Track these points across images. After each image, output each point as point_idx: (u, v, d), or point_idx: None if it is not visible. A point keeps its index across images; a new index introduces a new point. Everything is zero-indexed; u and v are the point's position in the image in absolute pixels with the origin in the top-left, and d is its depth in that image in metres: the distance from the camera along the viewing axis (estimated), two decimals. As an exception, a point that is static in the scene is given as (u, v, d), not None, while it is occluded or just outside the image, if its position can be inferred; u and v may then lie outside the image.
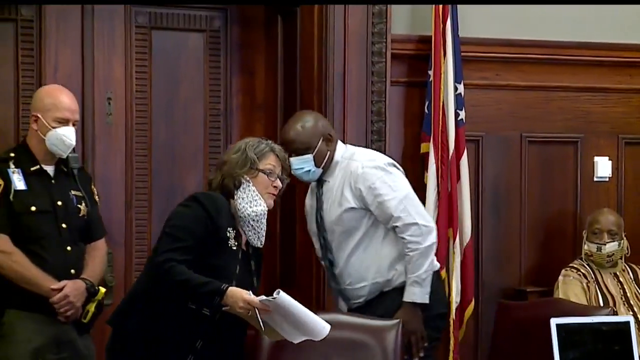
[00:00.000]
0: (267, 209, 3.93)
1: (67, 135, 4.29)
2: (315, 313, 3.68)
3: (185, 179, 5.38)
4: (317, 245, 4.63)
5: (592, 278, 5.34)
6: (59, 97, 4.35)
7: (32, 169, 4.32)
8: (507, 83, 5.59)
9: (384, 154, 5.10)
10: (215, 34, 5.43)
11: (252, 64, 5.50)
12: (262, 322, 3.60)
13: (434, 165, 5.24)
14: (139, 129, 5.32)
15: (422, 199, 5.24)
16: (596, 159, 5.78)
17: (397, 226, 4.39)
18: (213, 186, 3.93)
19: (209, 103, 5.44)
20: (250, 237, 3.90)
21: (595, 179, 5.78)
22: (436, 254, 5.13)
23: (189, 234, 3.72)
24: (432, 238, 4.42)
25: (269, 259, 5.28)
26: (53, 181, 4.34)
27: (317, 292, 5.07)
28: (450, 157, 5.24)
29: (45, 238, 4.26)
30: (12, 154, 4.34)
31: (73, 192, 4.37)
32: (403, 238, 4.39)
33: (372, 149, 5.10)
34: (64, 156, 4.34)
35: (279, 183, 3.96)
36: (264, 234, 3.93)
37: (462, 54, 5.31)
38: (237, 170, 3.89)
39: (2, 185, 4.25)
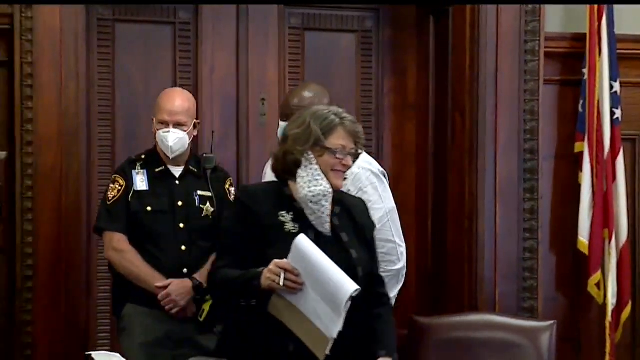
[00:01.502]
0: (330, 189, 3.44)
1: (167, 138, 4.36)
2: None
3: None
4: None
5: None
6: (163, 100, 4.43)
7: (157, 170, 4.43)
8: (665, 81, 5.47)
9: (537, 153, 5.07)
10: (367, 34, 5.46)
11: (403, 64, 5.51)
12: (288, 303, 3.31)
13: (589, 165, 5.16)
14: (292, 129, 5.37)
15: (576, 198, 5.18)
16: None
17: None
18: (277, 162, 3.53)
19: (360, 103, 5.46)
20: (312, 222, 3.45)
21: None
22: (592, 255, 5.09)
23: (231, 235, 3.49)
24: (404, 261, 4.21)
25: (421, 256, 5.30)
26: (177, 182, 4.43)
27: (470, 291, 5.02)
28: (605, 157, 5.16)
29: (160, 237, 4.35)
30: (143, 156, 4.48)
31: (199, 193, 4.43)
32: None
33: (525, 148, 5.08)
34: (170, 157, 4.40)
35: (349, 161, 3.46)
36: (328, 218, 3.47)
37: (618, 51, 5.22)
38: (299, 147, 3.43)
39: (123, 186, 4.38)
